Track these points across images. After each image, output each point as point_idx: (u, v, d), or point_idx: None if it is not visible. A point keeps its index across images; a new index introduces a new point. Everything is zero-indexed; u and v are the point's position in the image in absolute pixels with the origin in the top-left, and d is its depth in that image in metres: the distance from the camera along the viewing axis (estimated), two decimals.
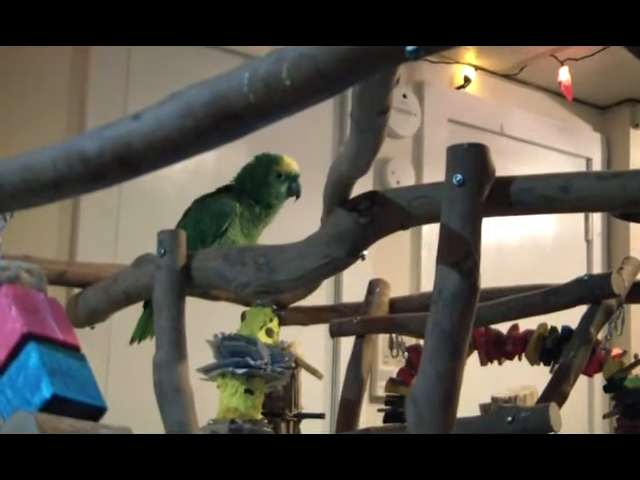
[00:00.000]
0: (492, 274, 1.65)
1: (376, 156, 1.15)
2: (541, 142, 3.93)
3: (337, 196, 1.25)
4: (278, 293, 1.40)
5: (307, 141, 3.39)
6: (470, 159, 1.11)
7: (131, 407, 2.16)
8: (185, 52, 3.13)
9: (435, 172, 3.35)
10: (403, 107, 3.62)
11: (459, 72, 3.80)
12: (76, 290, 1.72)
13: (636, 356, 1.67)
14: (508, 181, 1.15)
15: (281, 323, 2.00)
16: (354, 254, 1.26)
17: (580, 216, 3.95)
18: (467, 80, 3.76)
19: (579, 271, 3.38)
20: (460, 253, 1.09)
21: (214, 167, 3.15)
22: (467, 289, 1.09)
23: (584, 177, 1.14)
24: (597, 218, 4.00)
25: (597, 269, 3.88)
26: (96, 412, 0.72)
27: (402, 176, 3.56)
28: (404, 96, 3.64)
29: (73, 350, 0.74)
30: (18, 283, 0.76)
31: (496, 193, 1.13)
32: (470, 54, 3.73)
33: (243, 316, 2.06)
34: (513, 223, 3.68)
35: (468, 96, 3.79)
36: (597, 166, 4.02)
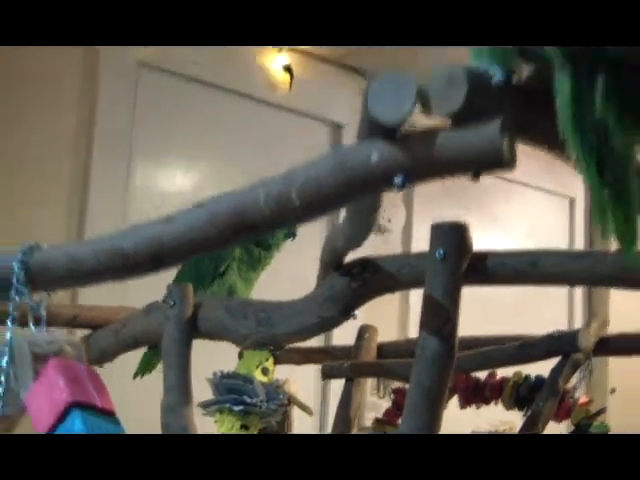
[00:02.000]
0: (482, 315, 1.80)
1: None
2: (525, 181, 4.03)
3: (332, 262, 1.40)
4: (276, 345, 1.54)
5: None
6: (451, 236, 1.25)
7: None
8: (189, 89, 3.29)
9: (423, 208, 3.52)
10: None
11: None
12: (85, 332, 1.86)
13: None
14: (484, 256, 1.30)
15: (276, 362, 2.15)
16: (346, 314, 1.41)
17: None
18: None
19: (561, 318, 3.53)
20: (441, 319, 1.23)
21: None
22: (446, 351, 1.23)
23: (554, 255, 1.29)
24: None
25: (578, 314, 4.02)
26: None
27: (392, 214, 3.71)
28: None
29: (109, 415, 0.88)
30: (62, 355, 0.90)
31: (474, 266, 1.27)
32: None
33: (240, 355, 2.20)
34: None
35: None
36: (580, 205, 4.14)
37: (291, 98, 3.52)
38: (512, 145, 0.73)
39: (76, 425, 0.82)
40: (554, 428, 1.78)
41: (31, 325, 0.93)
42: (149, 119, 3.20)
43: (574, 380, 1.78)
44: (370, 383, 2.98)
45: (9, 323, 0.92)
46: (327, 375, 1.99)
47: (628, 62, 0.69)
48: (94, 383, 0.89)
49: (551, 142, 0.78)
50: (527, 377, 1.84)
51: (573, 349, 1.69)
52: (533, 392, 1.79)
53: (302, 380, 2.30)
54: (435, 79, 0.74)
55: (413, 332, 3.33)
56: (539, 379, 1.81)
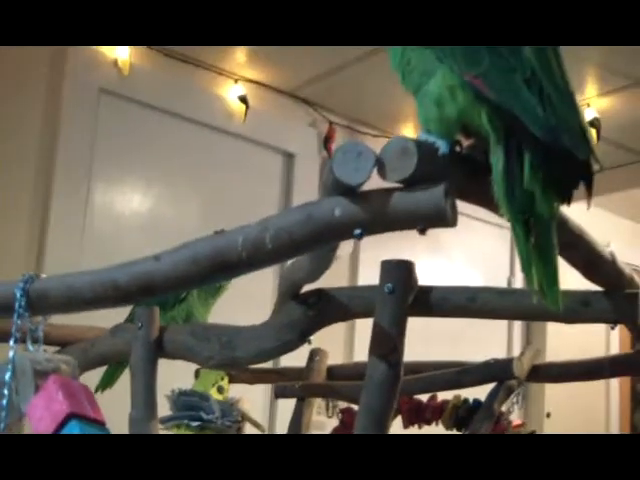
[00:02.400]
0: (426, 341, 1.94)
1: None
2: (469, 213, 4.20)
3: (290, 292, 1.53)
4: (237, 366, 1.67)
5: (253, 203, 3.67)
6: (399, 272, 1.39)
7: None
8: (148, 116, 3.40)
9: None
10: None
11: None
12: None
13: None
14: (428, 290, 1.45)
15: (230, 381, 2.28)
16: (303, 339, 1.54)
17: None
18: None
19: (500, 345, 3.68)
20: (388, 347, 1.37)
21: (170, 224, 3.42)
22: (392, 376, 1.36)
23: (488, 291, 1.44)
24: None
25: (517, 342, 4.21)
26: None
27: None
28: None
29: (100, 424, 1.01)
30: (59, 372, 1.02)
31: (419, 300, 1.42)
32: None
33: (197, 374, 2.32)
34: None
35: None
36: None
37: (246, 127, 3.65)
38: (454, 206, 0.87)
39: (74, 432, 0.95)
40: None
41: (29, 345, 1.06)
42: (109, 143, 3.31)
43: (509, 404, 1.93)
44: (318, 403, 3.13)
45: (11, 343, 1.04)
46: (280, 395, 2.12)
47: (548, 143, 0.85)
48: (87, 397, 1.02)
49: (487, 203, 0.93)
50: (466, 400, 1.99)
51: (507, 376, 1.85)
52: (471, 414, 1.93)
53: (253, 399, 2.43)
54: (390, 149, 0.88)
55: (358, 355, 3.48)
56: (476, 402, 1.96)
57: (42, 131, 3.17)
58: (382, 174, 0.89)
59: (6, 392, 1.01)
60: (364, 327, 1.53)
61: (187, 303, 2.19)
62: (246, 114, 3.62)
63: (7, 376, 1.03)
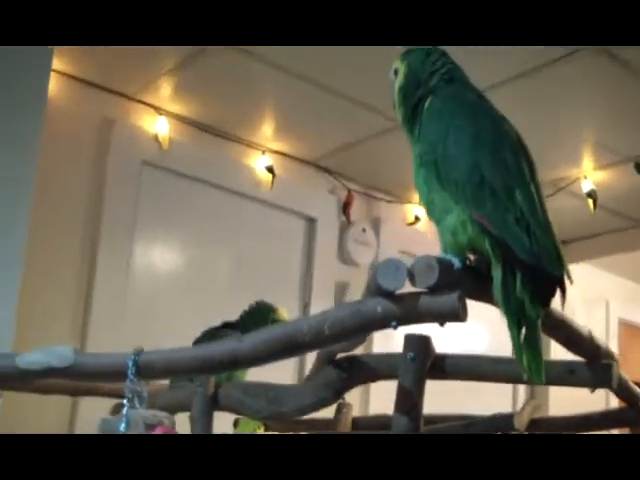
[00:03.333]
0: (442, 396, 2.25)
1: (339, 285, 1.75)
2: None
3: (327, 358, 1.86)
4: (282, 419, 1.99)
5: (278, 264, 4.01)
6: (419, 344, 1.71)
7: None
8: (185, 185, 3.74)
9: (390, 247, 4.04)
10: (362, 239, 4.26)
11: (411, 211, 4.44)
12: None
13: None
14: (443, 357, 1.77)
15: (266, 430, 2.59)
16: (337, 396, 1.87)
17: None
18: (417, 219, 4.39)
19: (506, 402, 3.93)
20: (410, 405, 1.68)
21: (203, 283, 3.75)
22: (413, 428, 1.68)
23: (492, 359, 1.77)
24: None
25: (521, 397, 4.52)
26: None
27: (362, 251, 4.24)
28: (363, 230, 4.27)
29: None
30: (163, 424, 1.34)
31: (435, 365, 1.74)
32: None
33: (235, 423, 2.63)
34: None
35: (418, 232, 4.39)
36: None
37: (272, 194, 3.98)
38: (464, 307, 1.20)
39: None
40: None
41: (137, 403, 1.38)
42: (150, 210, 3.63)
43: None
44: None
45: (125, 401, 1.36)
46: None
47: (532, 264, 1.17)
48: None
49: (490, 302, 1.26)
50: None
51: (509, 428, 2.16)
52: None
53: None
54: (419, 264, 1.21)
55: (373, 407, 3.78)
56: None
57: (89, 199, 3.48)
58: (413, 282, 1.21)
59: None
60: (378, 385, 1.87)
61: None
62: (273, 182, 3.94)
63: (122, 427, 1.35)
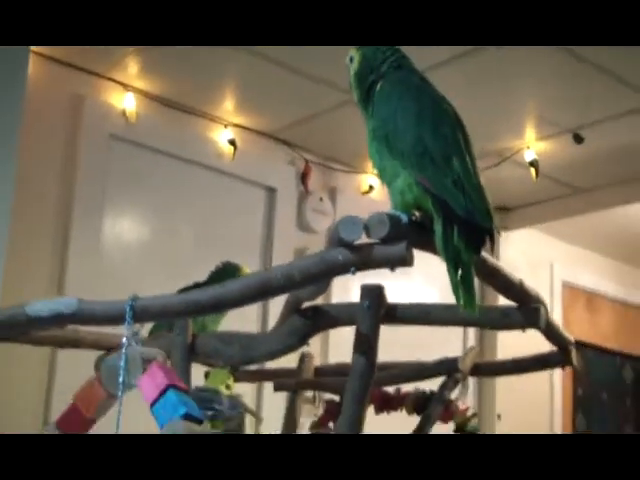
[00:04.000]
0: (397, 350, 2.51)
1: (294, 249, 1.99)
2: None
3: (294, 308, 2.10)
4: (253, 363, 2.23)
5: (240, 231, 4.24)
6: (374, 293, 1.95)
7: None
8: (151, 158, 3.95)
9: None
10: (319, 208, 4.50)
11: (365, 181, 4.68)
12: None
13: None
14: (394, 306, 2.02)
15: (235, 380, 2.83)
16: (302, 342, 2.11)
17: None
18: (371, 187, 4.63)
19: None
20: (366, 347, 1.92)
21: (169, 251, 3.97)
22: (369, 369, 1.90)
23: (438, 306, 2.02)
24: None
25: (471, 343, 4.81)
26: (199, 420, 1.53)
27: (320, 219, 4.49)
28: (321, 199, 4.51)
29: (185, 391, 1.55)
30: (157, 359, 1.57)
31: (388, 312, 1.99)
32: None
33: (206, 375, 2.86)
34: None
35: (372, 200, 4.61)
36: None
37: (234, 166, 4.21)
38: (411, 254, 1.45)
39: (172, 396, 1.49)
40: (441, 428, 2.49)
41: (133, 342, 1.61)
42: (118, 182, 3.84)
43: (456, 392, 2.50)
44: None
45: (124, 340, 1.59)
46: (278, 388, 2.67)
47: (466, 219, 1.43)
48: (175, 374, 1.57)
49: (432, 251, 1.51)
50: (423, 391, 2.56)
51: (455, 370, 2.42)
52: (427, 402, 2.50)
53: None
54: (373, 220, 1.46)
55: (333, 356, 4.03)
56: (431, 392, 2.53)
57: (62, 171, 3.68)
58: (368, 234, 1.46)
59: (122, 372, 1.57)
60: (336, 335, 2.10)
61: (202, 318, 2.73)
62: (234, 154, 4.16)
63: (122, 362, 1.58)
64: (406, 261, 1.43)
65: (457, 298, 1.47)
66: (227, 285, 1.56)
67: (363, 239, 1.47)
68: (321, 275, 1.52)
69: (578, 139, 4.04)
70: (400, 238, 1.44)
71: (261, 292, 1.54)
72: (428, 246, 1.50)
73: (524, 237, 5.26)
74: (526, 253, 5.29)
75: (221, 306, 1.56)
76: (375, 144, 1.55)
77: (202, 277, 2.85)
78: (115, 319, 1.62)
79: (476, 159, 1.57)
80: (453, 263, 1.45)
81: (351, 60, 1.65)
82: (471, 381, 4.70)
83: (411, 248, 1.44)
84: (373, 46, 1.64)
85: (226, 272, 2.79)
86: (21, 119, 2.82)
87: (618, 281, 6.02)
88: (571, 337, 2.24)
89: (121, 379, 1.59)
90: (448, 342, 3.60)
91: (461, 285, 1.46)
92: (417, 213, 1.52)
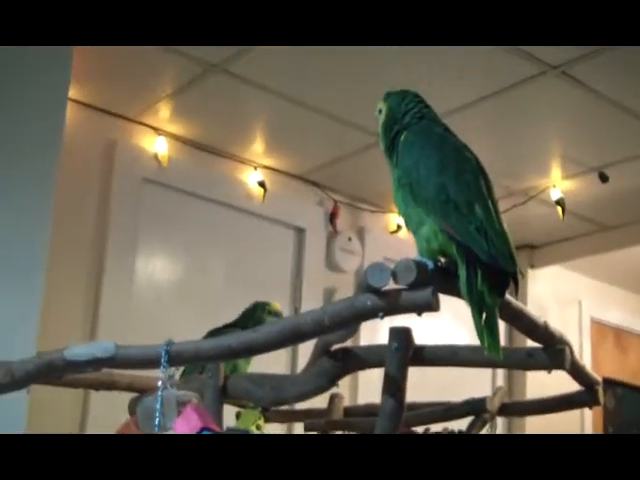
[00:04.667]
0: (427, 386, 2.54)
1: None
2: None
3: (323, 349, 2.14)
4: (284, 404, 2.28)
5: (270, 271, 4.30)
6: (401, 335, 1.99)
7: None
8: (183, 200, 4.03)
9: (375, 257, 4.32)
10: (348, 248, 4.55)
11: (393, 220, 4.73)
12: None
13: None
14: (422, 348, 2.06)
15: (266, 420, 2.87)
16: (332, 383, 2.15)
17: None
18: (399, 227, 4.67)
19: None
20: (394, 388, 1.97)
21: (200, 290, 4.03)
22: (398, 409, 1.95)
23: (465, 348, 2.06)
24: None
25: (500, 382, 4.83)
26: None
27: (349, 259, 4.55)
28: (349, 239, 4.57)
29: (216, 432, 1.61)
30: (192, 403, 1.62)
31: (416, 354, 2.03)
32: None
33: (237, 415, 2.91)
34: None
35: (400, 239, 4.65)
36: None
37: (264, 207, 4.28)
38: (437, 300, 1.50)
39: None
40: None
41: (168, 386, 1.66)
42: (151, 224, 3.92)
43: (484, 432, 2.53)
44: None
45: (159, 383, 1.64)
46: (309, 429, 2.72)
47: (490, 264, 1.47)
48: (209, 417, 1.62)
49: (457, 295, 1.55)
50: (451, 431, 2.59)
51: (482, 410, 2.46)
52: None
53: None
54: (400, 266, 1.51)
55: (362, 397, 4.06)
56: (459, 432, 2.56)
57: (96, 214, 3.78)
58: (395, 281, 1.51)
59: (158, 415, 1.62)
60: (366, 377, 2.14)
61: (234, 360, 2.79)
62: (264, 196, 4.23)
63: (157, 405, 1.64)
64: (432, 306, 1.48)
65: (482, 341, 1.51)
66: (259, 330, 1.61)
67: (391, 284, 1.51)
68: (350, 320, 1.57)
69: (603, 178, 4.08)
70: (426, 284, 1.49)
71: (292, 337, 1.59)
72: (454, 291, 1.54)
73: (552, 274, 5.28)
74: (554, 290, 5.31)
75: (253, 351, 1.61)
76: (400, 192, 1.60)
77: (232, 316, 2.92)
78: (150, 363, 1.67)
79: (500, 200, 1.62)
80: (477, 307, 1.49)
81: (380, 112, 1.72)
82: (501, 421, 4.74)
83: (437, 293, 1.49)
84: (398, 97, 1.70)
85: (256, 309, 2.86)
86: (58, 165, 2.90)
87: None
88: (598, 376, 2.26)
89: (157, 421, 1.64)
90: (477, 382, 3.61)
91: (485, 329, 1.50)
92: (442, 259, 1.57)
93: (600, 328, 5.69)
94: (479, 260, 1.48)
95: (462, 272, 1.50)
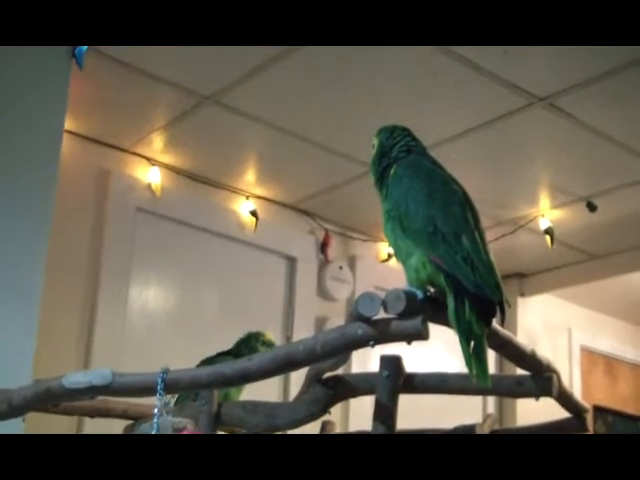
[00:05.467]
0: (416, 417, 2.57)
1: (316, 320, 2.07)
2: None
3: (315, 378, 2.18)
4: (277, 431, 2.31)
5: (262, 299, 4.34)
6: (392, 363, 2.03)
7: None
8: (175, 229, 4.07)
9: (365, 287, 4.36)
10: (339, 276, 4.59)
11: (383, 249, 4.77)
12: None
13: None
14: (412, 375, 2.10)
15: None
16: (324, 411, 2.19)
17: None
18: (390, 256, 4.69)
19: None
20: (385, 415, 2.00)
21: (193, 318, 4.07)
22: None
23: (454, 376, 2.10)
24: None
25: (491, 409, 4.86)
26: None
27: (339, 287, 4.59)
28: (340, 267, 4.61)
29: None
30: (188, 429, 1.66)
31: (406, 381, 2.07)
32: None
33: None
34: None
35: (390, 268, 4.68)
36: None
37: (256, 236, 4.32)
38: (426, 329, 1.54)
39: None
40: None
41: (164, 413, 1.70)
42: (144, 253, 3.96)
43: None
44: None
45: (155, 410, 1.68)
46: None
47: (477, 293, 1.52)
48: None
49: (446, 324, 1.59)
50: None
51: None
52: None
53: None
54: (390, 296, 1.55)
55: (352, 425, 4.09)
56: None
57: (90, 243, 3.81)
58: (385, 310, 1.55)
59: None
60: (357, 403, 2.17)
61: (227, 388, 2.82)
62: (256, 225, 4.27)
63: (154, 431, 1.67)
64: (422, 335, 1.52)
65: (470, 370, 1.55)
66: (253, 358, 1.65)
67: (381, 313, 1.55)
68: (342, 349, 1.61)
69: (591, 207, 4.13)
70: (416, 313, 1.53)
71: (285, 366, 1.63)
72: (442, 320, 1.58)
73: (541, 303, 5.33)
74: (544, 318, 5.35)
75: (247, 379, 1.65)
76: (390, 224, 1.65)
77: (225, 345, 2.96)
78: (147, 391, 1.71)
79: (489, 229, 1.67)
80: (465, 336, 1.53)
81: (373, 147, 1.77)
82: None
83: (427, 322, 1.53)
84: (388, 132, 1.75)
85: (250, 339, 2.90)
86: (54, 195, 2.94)
87: (636, 345, 6.06)
88: (586, 404, 2.30)
89: None
90: (468, 409, 3.64)
91: (474, 357, 1.54)
92: (432, 289, 1.61)
93: (590, 356, 5.74)
94: (466, 290, 1.52)
95: (450, 302, 1.54)
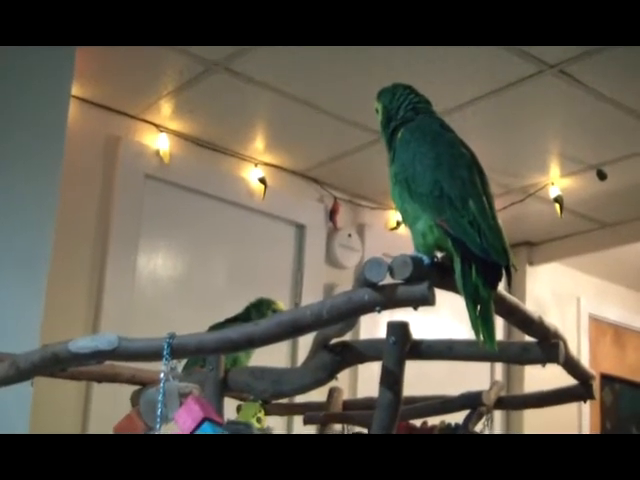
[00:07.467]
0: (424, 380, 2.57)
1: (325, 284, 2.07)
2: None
3: (322, 343, 2.18)
4: (284, 397, 2.32)
5: (271, 267, 4.34)
6: (399, 329, 2.03)
7: None
8: (183, 196, 4.07)
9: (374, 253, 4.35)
10: (348, 244, 4.59)
11: (392, 217, 4.77)
12: None
13: None
14: (419, 342, 2.10)
15: (266, 413, 2.91)
16: (331, 377, 2.19)
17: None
18: (398, 224, 4.70)
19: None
20: (392, 381, 2.00)
21: (202, 286, 4.07)
22: (395, 402, 1.98)
23: (460, 342, 2.10)
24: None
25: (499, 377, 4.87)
26: None
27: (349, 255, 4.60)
28: (349, 235, 4.61)
29: (219, 423, 1.64)
30: (193, 394, 1.66)
31: (413, 348, 2.07)
32: None
33: (238, 408, 2.95)
34: None
35: (399, 236, 4.69)
36: None
37: (264, 204, 4.32)
38: (433, 294, 1.53)
39: (207, 428, 1.58)
40: None
41: (170, 377, 1.70)
42: (152, 220, 3.97)
43: (480, 425, 2.56)
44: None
45: (162, 375, 1.68)
46: (308, 421, 2.75)
47: (483, 257, 1.51)
48: (211, 408, 1.66)
49: (453, 289, 1.59)
50: (448, 424, 2.63)
51: (479, 404, 2.49)
52: (452, 434, 2.57)
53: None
54: (397, 262, 1.54)
55: (361, 391, 4.10)
56: (456, 425, 2.60)
57: (99, 210, 3.82)
58: (392, 275, 1.54)
59: (160, 406, 1.66)
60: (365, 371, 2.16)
61: (234, 354, 2.83)
62: (265, 193, 4.27)
63: (160, 396, 1.68)
64: (428, 301, 1.51)
65: (477, 334, 1.54)
66: (259, 323, 1.65)
67: (388, 279, 1.55)
68: (348, 314, 1.61)
69: (601, 175, 4.11)
70: (422, 278, 1.52)
71: (291, 330, 1.63)
72: (449, 285, 1.58)
73: (550, 272, 5.32)
74: (552, 288, 5.35)
75: (253, 343, 1.65)
76: (397, 188, 1.64)
77: (234, 311, 2.96)
78: (153, 356, 1.71)
79: (499, 198, 1.66)
80: (472, 300, 1.53)
81: (377, 111, 1.75)
82: (499, 414, 4.78)
83: (433, 288, 1.52)
84: (390, 93, 1.73)
85: (262, 305, 2.90)
86: (62, 161, 2.94)
87: None
88: (592, 371, 2.29)
89: (159, 412, 1.68)
90: (475, 377, 3.65)
91: (480, 321, 1.54)
92: (439, 254, 1.60)
93: (598, 325, 5.73)
94: (473, 254, 1.52)
95: (457, 266, 1.53)
